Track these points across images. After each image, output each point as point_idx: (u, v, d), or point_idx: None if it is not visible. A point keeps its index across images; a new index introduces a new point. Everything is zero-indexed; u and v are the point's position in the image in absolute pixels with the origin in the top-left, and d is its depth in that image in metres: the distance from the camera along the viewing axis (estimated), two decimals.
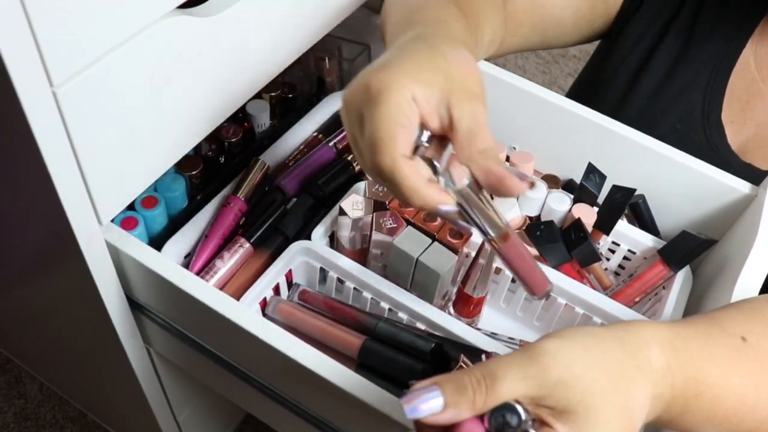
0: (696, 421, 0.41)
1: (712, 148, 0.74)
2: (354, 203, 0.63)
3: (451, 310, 0.65)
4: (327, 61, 0.84)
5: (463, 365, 0.50)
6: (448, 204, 0.43)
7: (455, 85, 0.43)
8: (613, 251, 0.71)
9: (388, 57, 0.44)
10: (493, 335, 0.63)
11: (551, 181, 0.76)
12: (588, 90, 0.84)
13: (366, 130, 0.42)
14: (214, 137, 0.71)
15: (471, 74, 0.44)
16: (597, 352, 0.37)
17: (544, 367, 0.36)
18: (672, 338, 0.40)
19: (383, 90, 0.41)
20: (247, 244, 0.65)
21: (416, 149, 0.43)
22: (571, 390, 0.35)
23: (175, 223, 0.67)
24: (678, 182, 0.69)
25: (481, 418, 0.36)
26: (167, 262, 0.56)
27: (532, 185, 0.43)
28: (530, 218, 0.70)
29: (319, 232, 0.65)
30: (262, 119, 0.76)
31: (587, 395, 0.35)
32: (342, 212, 0.62)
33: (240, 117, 0.76)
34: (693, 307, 0.66)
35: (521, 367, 0.36)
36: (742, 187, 0.67)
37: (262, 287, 0.62)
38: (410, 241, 0.61)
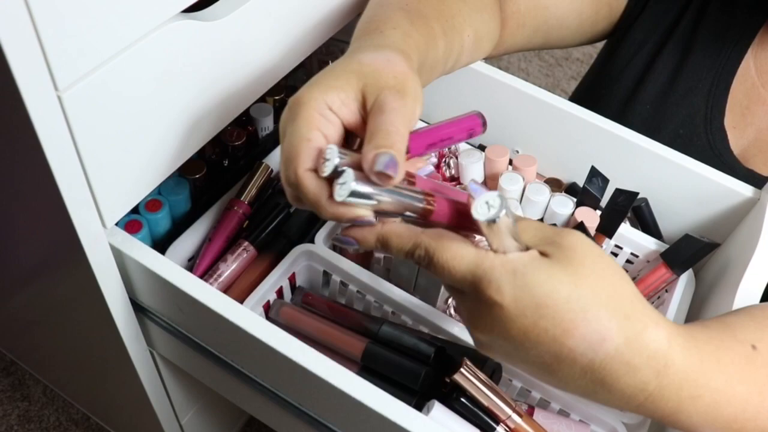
0: (693, 423, 0.41)
1: (715, 153, 0.74)
2: None
3: (454, 313, 0.65)
4: (330, 64, 0.84)
5: (466, 369, 0.50)
6: (363, 216, 0.41)
7: (368, 80, 0.44)
8: (615, 254, 0.71)
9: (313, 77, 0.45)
10: None
11: (554, 184, 0.76)
12: (591, 94, 0.84)
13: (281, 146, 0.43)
14: (218, 141, 0.71)
15: (386, 68, 0.45)
16: (616, 272, 0.40)
17: (564, 232, 0.40)
18: (686, 338, 0.40)
19: (294, 106, 0.43)
20: (251, 248, 0.66)
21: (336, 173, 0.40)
22: (572, 249, 0.39)
23: (178, 227, 0.67)
24: (681, 186, 0.69)
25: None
26: (171, 266, 0.56)
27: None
28: None
29: (322, 236, 0.65)
30: (266, 123, 0.76)
31: (582, 256, 0.38)
32: None
33: (244, 120, 0.76)
34: (695, 310, 0.66)
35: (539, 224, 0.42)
36: (745, 190, 0.67)
37: (266, 290, 0.62)
38: None
